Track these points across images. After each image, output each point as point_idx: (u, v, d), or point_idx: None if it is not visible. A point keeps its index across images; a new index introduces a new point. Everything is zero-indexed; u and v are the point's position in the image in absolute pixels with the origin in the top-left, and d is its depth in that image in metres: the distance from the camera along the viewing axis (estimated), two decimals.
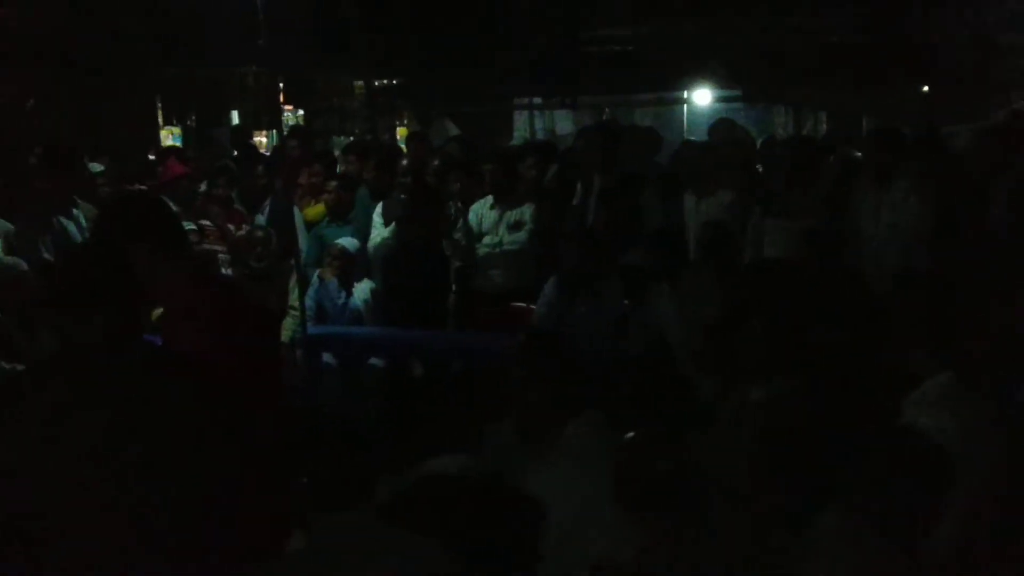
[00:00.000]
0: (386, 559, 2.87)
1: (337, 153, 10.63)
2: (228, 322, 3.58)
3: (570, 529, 3.45)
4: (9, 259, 6.73)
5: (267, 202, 8.81)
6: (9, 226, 7.45)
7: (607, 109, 15.01)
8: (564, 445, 3.94)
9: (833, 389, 4.32)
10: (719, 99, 14.16)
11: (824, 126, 14.50)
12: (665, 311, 6.16)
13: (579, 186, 8.08)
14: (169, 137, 13.77)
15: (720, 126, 9.22)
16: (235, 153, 11.20)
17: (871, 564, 3.20)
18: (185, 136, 13.97)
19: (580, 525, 3.52)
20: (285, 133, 11.75)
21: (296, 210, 8.63)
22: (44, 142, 8.52)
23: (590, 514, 3.53)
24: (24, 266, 6.41)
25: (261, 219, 8.56)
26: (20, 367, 5.92)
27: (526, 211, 7.88)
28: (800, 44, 12.48)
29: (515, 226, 7.84)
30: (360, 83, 14.80)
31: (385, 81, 14.66)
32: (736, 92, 13.89)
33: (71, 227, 7.30)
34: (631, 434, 3.50)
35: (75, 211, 7.42)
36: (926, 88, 12.66)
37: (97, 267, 3.20)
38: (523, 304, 7.35)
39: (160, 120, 13.86)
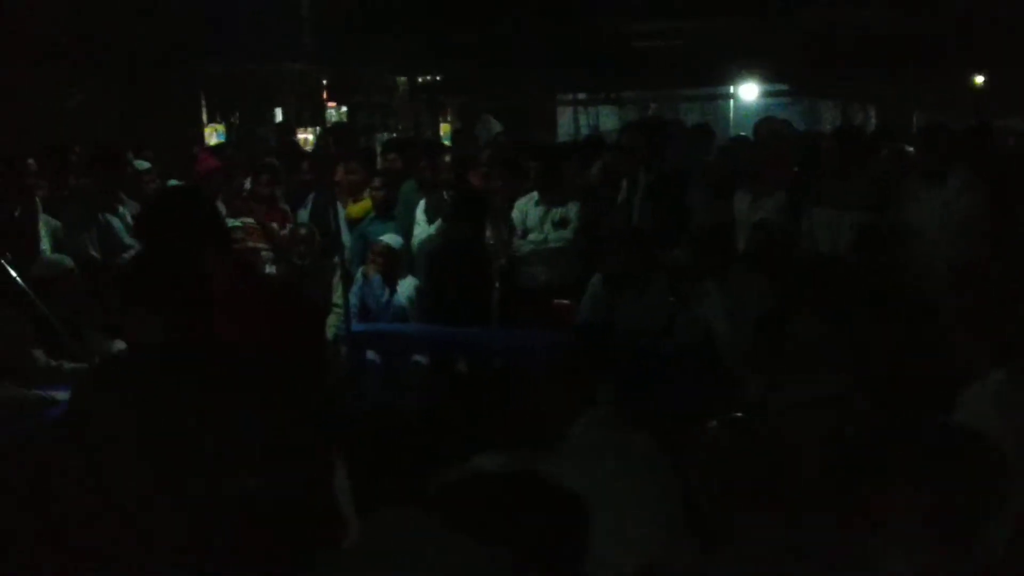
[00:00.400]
0: (434, 557, 2.84)
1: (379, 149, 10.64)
2: (277, 316, 3.57)
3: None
4: (56, 256, 6.78)
5: (310, 199, 8.82)
6: (56, 223, 7.51)
7: (652, 104, 14.96)
8: (572, 441, 3.89)
9: (884, 387, 4.25)
10: (766, 94, 14.03)
11: (873, 120, 14.36)
12: (712, 308, 6.10)
13: (624, 182, 8.02)
14: (213, 134, 13.83)
15: (766, 124, 9.10)
16: (278, 150, 11.23)
17: (926, 564, 3.12)
18: (229, 133, 14.03)
19: (620, 524, 3.47)
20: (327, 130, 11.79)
21: (339, 207, 8.63)
22: (89, 140, 8.60)
23: (633, 514, 3.48)
24: (70, 262, 6.45)
25: (304, 216, 8.57)
26: (66, 364, 5.98)
27: (571, 208, 7.81)
28: (847, 37, 12.33)
29: (560, 223, 7.78)
30: (403, 79, 14.80)
31: (428, 77, 14.65)
32: (783, 87, 13.76)
33: (117, 224, 7.35)
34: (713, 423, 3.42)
35: (121, 208, 7.46)
36: (979, 79, 12.49)
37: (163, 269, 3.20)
38: (567, 301, 7.30)
39: (204, 117, 13.92)
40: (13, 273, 5.59)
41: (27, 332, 5.94)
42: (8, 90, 10.33)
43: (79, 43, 10.97)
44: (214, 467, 2.97)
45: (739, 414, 3.56)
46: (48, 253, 7.09)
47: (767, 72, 13.29)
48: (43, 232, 7.35)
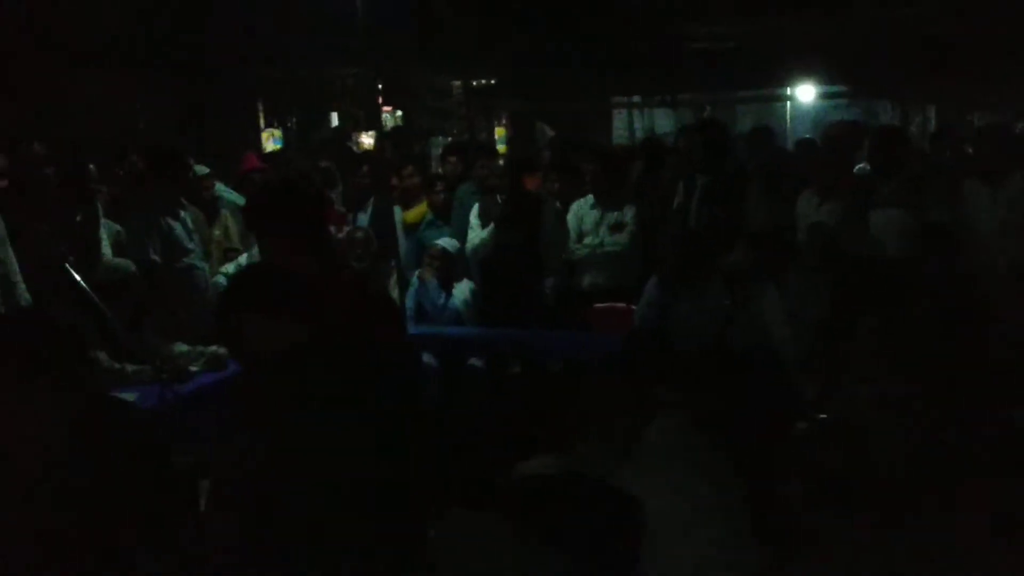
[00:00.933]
0: (497, 558, 2.86)
1: (436, 153, 10.69)
2: (372, 313, 3.58)
3: (665, 531, 3.39)
4: (118, 260, 6.86)
5: (369, 203, 8.86)
6: (117, 228, 7.61)
7: (708, 107, 14.88)
8: (647, 446, 3.86)
9: (945, 389, 4.20)
10: (823, 95, 13.91)
11: (933, 121, 14.19)
12: (770, 311, 6.06)
13: (681, 185, 7.99)
14: (271, 139, 13.95)
15: (836, 127, 8.95)
16: (335, 154, 11.30)
17: None
18: (286, 138, 14.14)
19: (680, 528, 3.45)
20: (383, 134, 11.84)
21: (397, 210, 8.67)
22: (149, 144, 8.69)
23: (703, 519, 3.46)
24: (132, 267, 6.53)
25: (364, 220, 8.61)
26: (128, 366, 6.06)
27: (627, 212, 7.79)
28: (906, 38, 12.19)
29: (616, 227, 7.75)
30: (458, 83, 14.84)
31: (483, 81, 14.68)
32: (841, 88, 13.63)
33: (178, 229, 7.42)
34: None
35: (182, 213, 7.53)
36: None
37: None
38: (623, 304, 7.29)
39: (261, 122, 14.04)
40: (77, 277, 5.66)
41: (91, 335, 6.03)
42: (69, 96, 10.48)
43: (139, 50, 11.11)
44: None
45: (823, 416, 3.55)
46: (109, 257, 7.19)
47: (825, 73, 13.17)
48: (104, 237, 7.44)
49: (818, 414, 3.73)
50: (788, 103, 14.69)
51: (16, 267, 6.47)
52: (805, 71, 13.26)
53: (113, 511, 2.96)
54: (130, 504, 2.99)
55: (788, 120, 14.48)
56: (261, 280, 3.29)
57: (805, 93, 13.98)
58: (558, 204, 8.07)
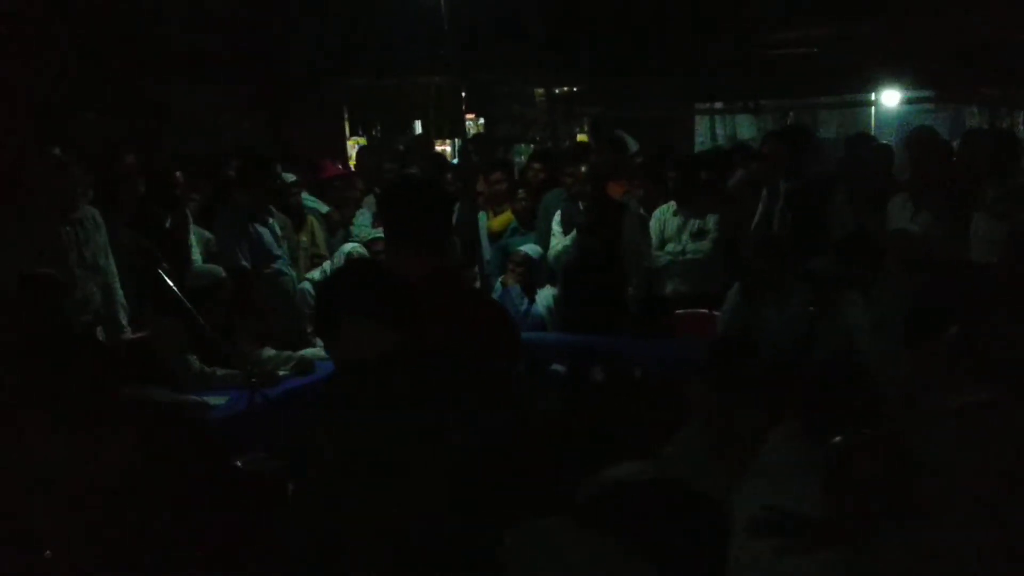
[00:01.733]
0: (583, 567, 2.87)
1: (519, 160, 10.72)
2: (485, 322, 3.60)
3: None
4: (208, 266, 7.02)
5: (455, 209, 8.92)
6: (207, 234, 7.77)
7: (791, 113, 14.75)
8: (766, 456, 3.85)
9: None
10: (908, 100, 13.70)
11: (1022, 127, 13.91)
12: (855, 318, 6.01)
13: (764, 191, 7.95)
14: (355, 147, 14.09)
15: (918, 132, 8.81)
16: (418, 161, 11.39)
17: None
18: (370, 146, 14.25)
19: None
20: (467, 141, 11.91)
21: (482, 217, 8.73)
22: (238, 153, 8.86)
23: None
24: (222, 273, 6.67)
25: None
26: (219, 370, 6.20)
27: (710, 220, 7.73)
28: (994, 41, 11.98)
29: (698, 234, 7.72)
30: (541, 90, 14.88)
31: (565, 88, 14.69)
32: (926, 93, 13.42)
33: (266, 235, 7.56)
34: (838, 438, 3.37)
35: (270, 220, 7.67)
36: None
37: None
38: (706, 311, 7.28)
39: (347, 131, 14.19)
40: (170, 283, 5.79)
41: (182, 339, 6.18)
42: (159, 105, 10.71)
43: (226, 60, 11.30)
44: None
45: (870, 431, 3.51)
46: (200, 263, 7.35)
47: (910, 78, 12.97)
48: (194, 243, 7.61)
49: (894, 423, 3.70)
50: (872, 108, 14.49)
51: (116, 275, 6.66)
52: (890, 76, 13.07)
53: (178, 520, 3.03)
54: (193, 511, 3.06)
55: (872, 125, 14.28)
56: (362, 280, 3.25)
57: (890, 98, 13.77)
58: (642, 210, 8.08)
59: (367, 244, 7.88)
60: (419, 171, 9.64)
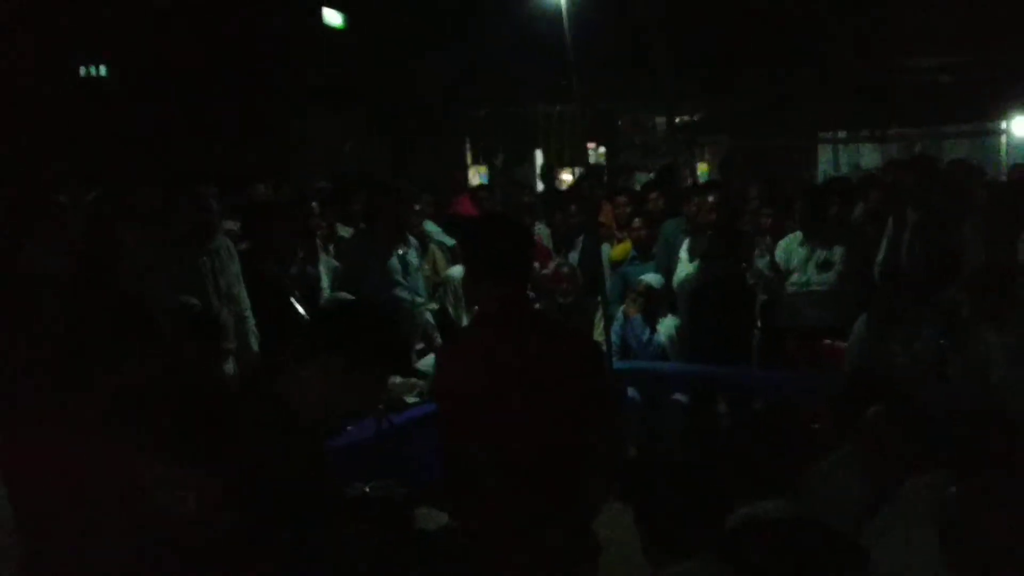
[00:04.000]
0: None
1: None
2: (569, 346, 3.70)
3: None
4: (337, 294, 7.14)
5: (579, 241, 8.95)
6: (334, 263, 7.91)
7: (918, 142, 14.50)
8: (902, 502, 3.74)
9: None
10: None
11: None
12: (989, 352, 5.86)
13: (890, 221, 7.82)
14: (476, 176, 14.24)
15: None
16: (541, 192, 11.48)
17: None
18: (491, 175, 14.38)
19: None
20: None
21: (606, 247, 8.73)
22: (369, 182, 8.99)
23: None
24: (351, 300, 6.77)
25: (575, 258, 8.66)
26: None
27: (836, 251, 7.60)
28: None
29: (824, 265, 7.60)
30: (662, 119, 14.87)
31: (686, 117, 14.67)
32: None
33: (393, 262, 7.65)
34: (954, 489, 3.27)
35: (402, 248, 7.73)
36: None
37: None
38: (831, 341, 7.18)
39: (468, 159, 14.35)
40: (301, 310, 5.90)
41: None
42: (290, 139, 10.98)
43: (353, 91, 11.55)
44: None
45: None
46: (328, 292, 7.48)
47: None
48: (323, 271, 7.75)
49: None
50: (1003, 136, 14.15)
51: (248, 304, 6.76)
52: (1021, 103, 12.77)
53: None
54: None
55: (1004, 154, 13.94)
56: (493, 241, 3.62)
57: (1021, 127, 13.42)
58: (768, 239, 8.00)
59: None
60: (536, 200, 9.70)
